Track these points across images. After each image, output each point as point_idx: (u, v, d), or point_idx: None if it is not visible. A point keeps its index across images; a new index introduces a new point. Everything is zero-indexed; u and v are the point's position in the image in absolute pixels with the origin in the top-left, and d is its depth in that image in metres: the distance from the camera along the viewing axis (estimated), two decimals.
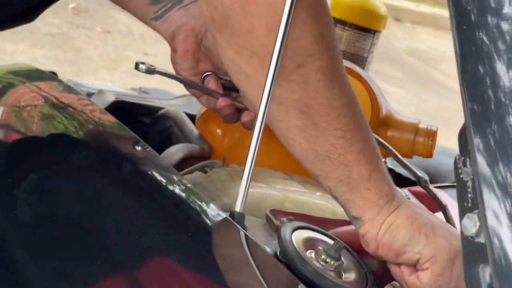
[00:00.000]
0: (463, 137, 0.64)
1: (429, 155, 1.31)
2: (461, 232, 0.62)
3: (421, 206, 0.95)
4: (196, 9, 1.17)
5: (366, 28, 1.79)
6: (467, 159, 0.63)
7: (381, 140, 1.19)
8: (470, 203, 0.62)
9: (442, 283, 0.90)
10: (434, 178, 2.01)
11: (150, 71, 1.11)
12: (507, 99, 0.60)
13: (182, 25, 1.16)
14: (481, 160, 0.59)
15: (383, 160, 0.95)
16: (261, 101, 0.89)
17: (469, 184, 0.62)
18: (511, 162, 0.58)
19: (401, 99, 6.15)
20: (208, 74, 1.17)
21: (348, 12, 1.81)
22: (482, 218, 0.59)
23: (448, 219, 1.07)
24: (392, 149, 1.19)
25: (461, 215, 0.62)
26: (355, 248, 0.96)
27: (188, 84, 1.17)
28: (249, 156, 0.88)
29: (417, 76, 6.83)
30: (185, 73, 1.18)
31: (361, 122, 0.91)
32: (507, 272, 0.55)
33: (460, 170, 0.63)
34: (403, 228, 0.90)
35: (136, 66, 1.12)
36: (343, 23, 1.79)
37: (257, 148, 0.88)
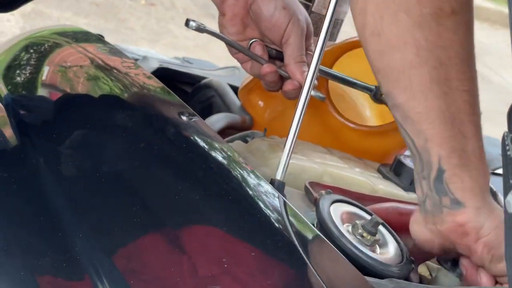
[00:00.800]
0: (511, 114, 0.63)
1: None
2: (505, 209, 0.62)
3: None
4: None
5: None
6: None
7: None
8: None
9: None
10: None
11: (200, 29, 1.11)
12: None
13: None
14: None
15: None
16: (307, 72, 0.89)
17: None
18: None
19: None
20: (254, 41, 1.17)
21: None
22: None
23: (499, 203, 1.06)
24: None
25: (506, 192, 0.62)
26: (392, 225, 0.96)
27: (235, 47, 1.17)
28: (292, 125, 0.88)
29: None
30: (231, 37, 1.18)
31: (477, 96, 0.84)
32: None
33: (507, 147, 0.63)
34: (484, 225, 0.84)
35: (187, 23, 1.11)
36: None
37: (301, 118, 0.88)
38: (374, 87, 1.24)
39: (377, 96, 1.22)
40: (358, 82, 1.25)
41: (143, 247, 0.73)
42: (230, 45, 1.17)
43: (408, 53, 0.81)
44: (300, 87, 1.13)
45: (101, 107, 1.06)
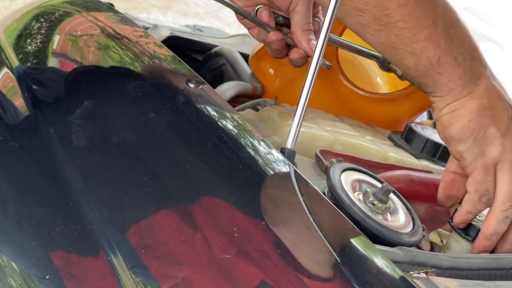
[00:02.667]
0: None
1: None
2: None
3: (502, 92, 0.92)
4: None
5: None
6: None
7: None
8: None
9: (485, 188, 0.91)
10: None
11: None
12: None
13: None
14: None
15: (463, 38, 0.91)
16: (317, 40, 0.89)
17: None
18: None
19: None
20: (261, 6, 1.16)
21: None
22: None
23: None
24: None
25: None
26: (403, 193, 0.96)
27: (241, 13, 1.16)
28: (303, 94, 0.88)
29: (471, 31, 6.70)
30: (239, 2, 1.17)
31: (427, 8, 0.88)
32: None
33: None
34: (460, 121, 0.91)
35: None
36: None
37: (311, 86, 0.88)
38: (381, 55, 1.23)
39: (384, 64, 1.22)
40: (366, 49, 1.24)
41: (154, 217, 0.74)
42: (236, 11, 1.16)
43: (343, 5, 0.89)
44: (306, 56, 1.13)
45: (112, 77, 1.06)
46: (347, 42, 1.24)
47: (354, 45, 1.25)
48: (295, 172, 0.80)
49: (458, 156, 0.93)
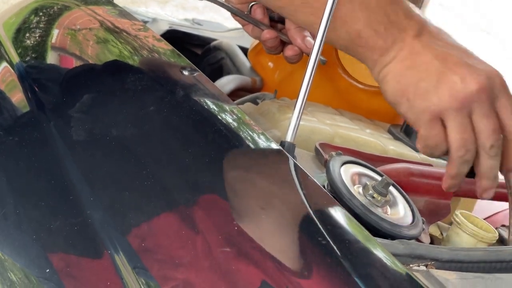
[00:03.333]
0: None
1: None
2: None
3: (432, 41, 0.93)
4: None
5: None
6: None
7: None
8: None
9: (433, 142, 0.92)
10: None
11: None
12: None
13: None
14: None
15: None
16: (316, 35, 0.89)
17: None
18: None
19: None
20: (255, 3, 1.16)
21: None
22: None
23: None
24: None
25: None
26: (403, 186, 0.96)
27: (234, 12, 1.16)
28: (302, 87, 0.88)
29: None
30: (233, 0, 1.17)
31: None
32: None
33: None
34: (390, 86, 0.92)
35: None
36: None
37: (311, 80, 0.88)
38: None
39: None
40: None
41: (154, 210, 0.74)
42: (228, 10, 1.15)
43: None
44: (301, 52, 1.13)
45: (111, 71, 1.05)
46: None
47: None
48: (295, 165, 0.80)
49: (404, 117, 0.94)
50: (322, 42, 0.89)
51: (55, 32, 1.23)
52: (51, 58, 1.17)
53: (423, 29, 0.92)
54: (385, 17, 0.91)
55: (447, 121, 0.90)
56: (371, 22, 0.90)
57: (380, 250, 0.69)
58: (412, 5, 0.93)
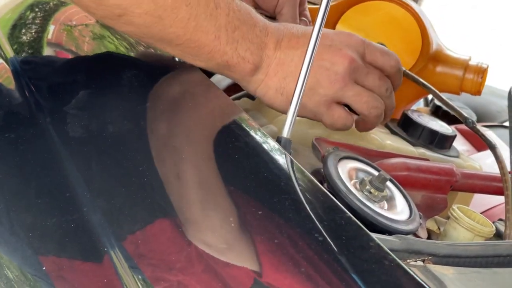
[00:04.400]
0: None
1: (478, 93, 1.29)
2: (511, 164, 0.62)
3: (295, 38, 0.99)
4: None
5: None
6: None
7: (423, 81, 1.19)
8: None
9: (341, 122, 1.01)
10: (482, 117, 1.99)
11: None
12: None
13: None
14: None
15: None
16: (312, 32, 0.89)
17: None
18: None
19: None
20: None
21: None
22: None
23: (498, 158, 1.06)
24: (435, 90, 1.19)
25: None
26: (400, 181, 0.96)
27: None
28: (298, 83, 0.88)
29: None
30: None
31: (207, 28, 0.92)
32: None
33: None
34: (276, 99, 0.99)
35: None
36: None
37: (307, 75, 0.88)
38: None
39: None
40: None
41: (151, 208, 0.74)
42: None
43: None
44: None
45: (108, 67, 1.05)
46: None
47: None
48: (291, 161, 0.80)
49: (304, 117, 1.02)
50: (319, 36, 0.88)
51: (51, 28, 1.23)
52: (47, 54, 1.17)
53: (279, 38, 0.97)
54: (249, 44, 0.95)
55: (342, 101, 1.00)
56: (238, 52, 0.94)
57: (377, 246, 0.69)
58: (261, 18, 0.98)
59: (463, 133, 1.63)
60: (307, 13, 1.22)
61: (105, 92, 0.96)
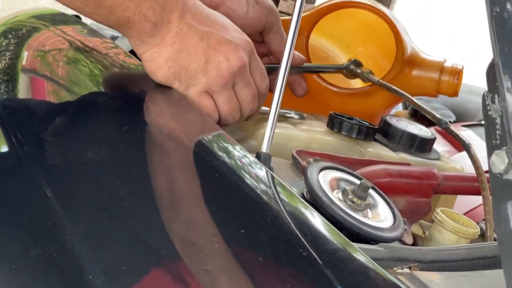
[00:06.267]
0: (491, 73, 0.63)
1: (455, 94, 1.30)
2: (490, 169, 0.62)
3: (202, 20, 0.99)
4: None
5: None
6: (496, 96, 0.62)
7: (395, 88, 1.19)
8: (499, 140, 0.61)
9: (205, 108, 1.01)
10: (461, 116, 2.00)
11: None
12: None
13: None
14: (510, 99, 0.59)
15: None
16: (285, 47, 0.89)
17: (498, 121, 0.62)
18: None
19: None
20: None
21: None
22: (511, 154, 0.58)
23: (473, 157, 1.06)
24: (408, 95, 1.19)
25: (490, 152, 0.62)
26: (383, 188, 0.96)
27: None
28: (275, 96, 0.88)
29: None
30: None
31: None
32: None
33: (488, 107, 0.63)
34: (161, 69, 0.98)
35: None
36: None
37: (283, 88, 0.88)
38: (344, 65, 1.25)
39: (348, 70, 1.24)
40: (328, 66, 1.26)
41: (134, 233, 0.73)
42: None
43: None
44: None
45: (83, 91, 1.05)
46: (309, 66, 1.25)
47: (317, 67, 1.26)
48: (272, 176, 0.80)
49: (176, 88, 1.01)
50: (292, 51, 0.89)
51: (25, 55, 1.23)
52: (22, 80, 1.16)
53: (185, 7, 0.97)
54: (153, 2, 0.94)
55: (215, 95, 1.01)
56: (141, 8, 0.93)
57: (362, 257, 0.69)
58: None
59: (443, 134, 1.63)
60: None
61: (82, 117, 0.96)
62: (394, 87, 1.21)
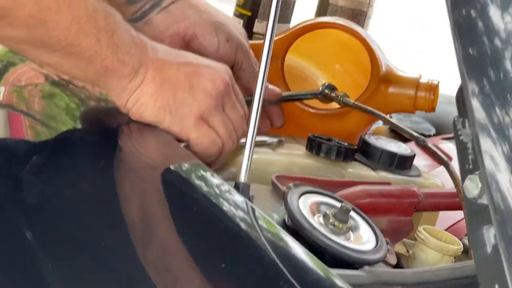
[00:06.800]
0: (460, 98, 0.63)
1: (432, 109, 1.30)
2: (464, 194, 0.62)
3: (173, 54, 1.00)
4: (178, 11, 1.16)
5: None
6: (466, 120, 0.63)
7: (371, 108, 1.20)
8: (471, 164, 0.62)
9: (208, 140, 0.99)
10: (441, 128, 2.00)
11: None
12: (502, 43, 0.60)
13: (166, 30, 1.16)
14: (476, 104, 0.59)
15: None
16: (258, 72, 0.90)
17: (469, 145, 0.62)
18: (507, 105, 0.58)
19: None
20: None
21: None
22: (484, 178, 0.58)
23: (452, 174, 1.06)
24: (382, 115, 1.20)
25: (463, 177, 0.62)
26: (364, 209, 0.97)
27: None
28: (250, 125, 0.88)
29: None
30: None
31: (88, 31, 0.91)
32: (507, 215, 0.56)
33: (459, 132, 0.63)
34: (148, 107, 0.96)
35: None
36: None
37: (258, 115, 0.88)
38: (319, 90, 1.26)
39: (323, 95, 1.25)
40: (303, 93, 1.27)
41: (111, 265, 0.73)
42: None
43: None
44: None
45: (60, 127, 1.05)
46: (286, 95, 1.26)
47: (293, 95, 1.27)
48: (252, 208, 0.80)
49: (169, 131, 0.98)
50: (265, 79, 0.89)
51: (1, 90, 1.23)
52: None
53: (155, 48, 0.98)
54: (128, 47, 0.94)
55: (210, 119, 0.99)
56: (118, 55, 0.93)
57: (343, 285, 0.69)
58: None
59: (424, 147, 1.63)
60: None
61: (59, 155, 0.96)
62: (369, 108, 1.21)
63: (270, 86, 1.18)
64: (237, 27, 1.21)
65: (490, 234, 0.59)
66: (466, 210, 0.62)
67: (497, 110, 0.59)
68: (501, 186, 0.57)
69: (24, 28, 0.89)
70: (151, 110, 0.96)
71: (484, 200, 0.60)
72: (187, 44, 1.15)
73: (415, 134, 1.15)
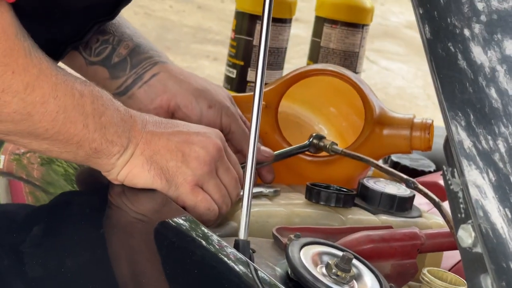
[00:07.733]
0: (448, 148, 0.64)
1: (428, 148, 1.31)
2: (458, 244, 0.62)
3: (163, 124, 1.02)
4: (159, 83, 1.18)
5: (354, 24, 1.81)
6: (455, 170, 0.63)
7: (358, 154, 1.21)
8: (463, 213, 0.62)
9: (204, 206, 1.01)
10: (441, 163, 2.00)
11: None
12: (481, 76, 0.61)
13: (149, 103, 1.18)
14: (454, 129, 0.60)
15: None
16: (251, 123, 0.90)
17: (460, 194, 0.62)
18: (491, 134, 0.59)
19: (406, 74, 6.14)
20: None
21: (335, 10, 1.82)
22: (476, 227, 0.59)
23: (445, 217, 1.06)
24: (372, 160, 1.20)
25: (456, 227, 0.62)
26: (366, 255, 0.96)
27: None
28: (246, 179, 0.89)
29: (418, 49, 6.84)
30: None
31: (75, 118, 0.93)
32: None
33: (449, 182, 0.63)
34: (141, 177, 0.98)
35: None
36: (331, 21, 1.81)
37: (253, 169, 0.89)
38: (307, 142, 1.27)
39: (312, 145, 1.26)
40: (294, 148, 1.28)
41: None
42: None
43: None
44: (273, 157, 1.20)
45: (57, 191, 1.06)
46: (276, 153, 1.27)
47: (284, 151, 1.28)
48: (254, 267, 0.80)
49: (170, 197, 1.00)
50: (258, 124, 0.90)
51: (1, 159, 1.24)
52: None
53: (143, 120, 0.99)
54: (116, 127, 0.96)
55: (205, 185, 1.01)
56: (106, 136, 0.95)
57: None
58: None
59: (425, 184, 1.63)
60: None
61: (55, 222, 0.96)
62: (357, 154, 1.22)
63: (262, 148, 1.19)
64: (219, 92, 1.23)
65: (487, 283, 0.59)
66: (462, 259, 0.63)
67: (482, 138, 0.60)
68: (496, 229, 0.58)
69: (11, 123, 0.90)
70: (146, 179, 0.98)
71: (479, 249, 0.60)
72: (172, 115, 1.18)
73: (405, 177, 1.15)
